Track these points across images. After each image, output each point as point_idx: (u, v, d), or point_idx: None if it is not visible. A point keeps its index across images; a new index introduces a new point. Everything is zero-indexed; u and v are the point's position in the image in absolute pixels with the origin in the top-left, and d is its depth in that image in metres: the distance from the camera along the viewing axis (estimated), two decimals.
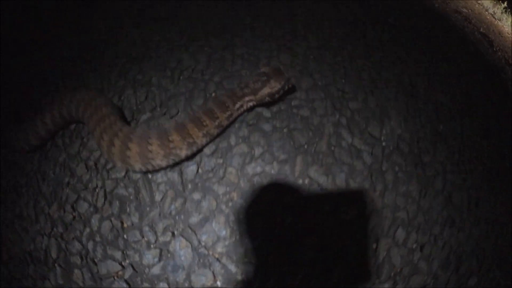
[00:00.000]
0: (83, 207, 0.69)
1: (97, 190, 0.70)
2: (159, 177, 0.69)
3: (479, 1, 2.53)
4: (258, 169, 0.67)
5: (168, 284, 0.59)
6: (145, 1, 1.21)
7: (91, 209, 0.68)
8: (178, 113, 0.79)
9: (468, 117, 1.01)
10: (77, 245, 0.66)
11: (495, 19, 2.43)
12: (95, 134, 0.65)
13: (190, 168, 0.68)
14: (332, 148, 0.73)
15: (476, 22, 2.20)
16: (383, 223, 0.68)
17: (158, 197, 0.66)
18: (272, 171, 0.67)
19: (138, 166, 0.61)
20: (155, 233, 0.63)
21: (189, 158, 0.66)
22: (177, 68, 0.92)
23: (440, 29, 1.43)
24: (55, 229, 0.71)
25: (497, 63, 1.60)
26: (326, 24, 1.10)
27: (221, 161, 0.67)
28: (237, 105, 0.61)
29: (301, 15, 1.15)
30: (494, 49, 1.78)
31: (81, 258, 0.65)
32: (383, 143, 0.79)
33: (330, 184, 0.68)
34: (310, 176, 0.68)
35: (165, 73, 0.91)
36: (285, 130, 0.73)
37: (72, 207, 0.71)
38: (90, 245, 0.65)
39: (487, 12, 2.47)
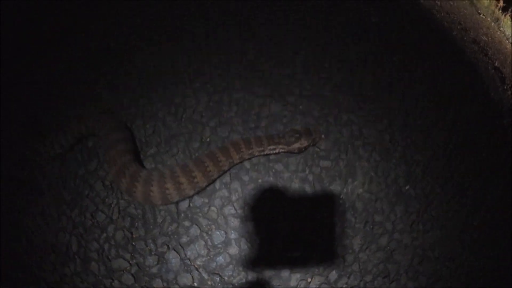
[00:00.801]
0: (101, 217, 1.15)
1: (112, 206, 1.15)
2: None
3: (500, 28, 2.86)
4: (233, 211, 1.13)
5: (162, 280, 1.06)
6: (157, 20, 1.55)
7: (108, 220, 1.14)
8: (178, 152, 1.23)
9: (443, 178, 1.26)
10: (95, 245, 1.12)
11: (508, 40, 2.78)
12: (112, 171, 1.04)
13: (184, 203, 1.14)
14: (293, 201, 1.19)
15: (493, 54, 2.48)
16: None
17: (159, 219, 1.12)
18: (243, 214, 1.14)
19: (159, 203, 0.99)
20: (156, 245, 1.09)
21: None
22: (181, 105, 1.29)
23: (449, 71, 1.64)
24: (76, 229, 1.16)
25: (505, 104, 1.75)
26: (325, 66, 1.36)
27: (206, 200, 1.13)
28: (270, 147, 1.00)
29: (302, 54, 1.38)
30: (505, 87, 1.96)
31: (98, 254, 1.11)
32: (340, 201, 1.14)
33: None
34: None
35: (170, 108, 1.28)
36: (259, 181, 1.18)
37: (92, 215, 1.16)
38: (106, 246, 1.11)
39: (507, 41, 2.81)
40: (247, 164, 1.14)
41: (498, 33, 2.88)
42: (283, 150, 1.02)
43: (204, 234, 1.06)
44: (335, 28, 1.51)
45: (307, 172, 1.16)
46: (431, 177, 1.29)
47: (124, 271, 1.03)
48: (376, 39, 1.62)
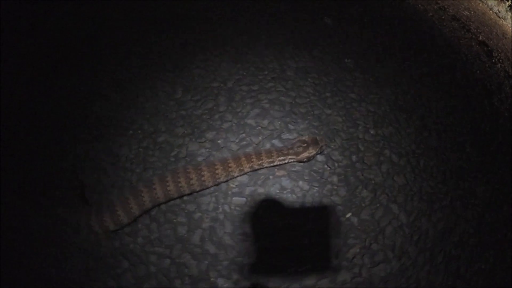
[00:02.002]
0: None
1: None
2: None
3: (483, 0, 2.62)
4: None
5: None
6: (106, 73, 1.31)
7: None
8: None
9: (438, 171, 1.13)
10: None
11: (500, 18, 2.55)
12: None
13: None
14: None
15: (477, 28, 2.27)
16: None
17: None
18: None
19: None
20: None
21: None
22: (117, 154, 1.04)
23: (424, 58, 1.50)
24: None
25: (493, 80, 1.63)
26: (252, 95, 1.17)
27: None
28: (280, 158, 0.98)
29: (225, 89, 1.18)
30: (493, 60, 1.82)
31: None
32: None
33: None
34: None
35: (109, 158, 1.04)
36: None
37: None
38: None
39: (491, 11, 2.58)
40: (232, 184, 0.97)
41: (481, 4, 2.62)
42: (292, 160, 1.01)
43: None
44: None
45: None
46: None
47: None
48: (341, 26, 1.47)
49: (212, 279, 0.79)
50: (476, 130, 1.27)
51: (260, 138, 1.02)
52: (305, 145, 1.00)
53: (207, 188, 0.92)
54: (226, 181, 0.94)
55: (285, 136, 1.05)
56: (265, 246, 0.86)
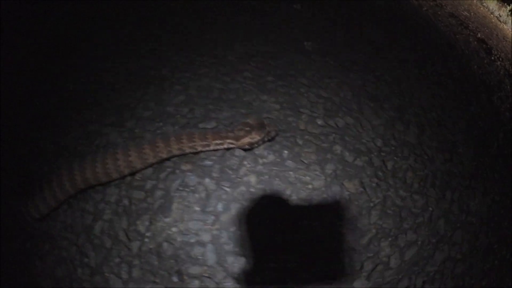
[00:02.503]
0: None
1: None
2: None
3: (484, 3, 2.39)
4: None
5: None
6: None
7: None
8: None
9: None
10: None
11: (501, 22, 2.32)
12: None
13: None
14: None
15: (476, 27, 2.07)
16: None
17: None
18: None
19: None
20: None
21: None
22: None
23: (417, 47, 1.31)
24: None
25: (493, 77, 1.46)
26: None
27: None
28: (217, 142, 0.79)
29: None
30: (493, 57, 1.65)
31: None
32: None
33: None
34: None
35: None
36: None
37: None
38: None
39: (492, 15, 2.35)
40: None
41: (482, 8, 2.39)
42: (232, 146, 0.82)
43: None
44: None
45: None
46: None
47: None
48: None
49: (106, 274, 0.70)
50: (472, 128, 1.09)
51: (176, 127, 0.85)
52: (248, 128, 0.80)
53: (137, 170, 0.77)
54: (156, 162, 0.78)
55: (203, 125, 0.85)
56: (150, 247, 0.71)
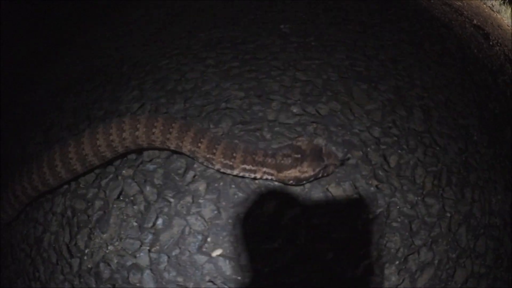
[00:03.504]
0: None
1: None
2: None
3: None
4: None
5: None
6: None
7: None
8: None
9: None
10: None
11: (494, 11, 2.17)
12: None
13: None
14: None
15: (471, 15, 1.86)
16: None
17: None
18: None
19: None
20: None
21: None
22: None
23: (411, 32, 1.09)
24: None
25: (494, 61, 1.28)
26: None
27: None
28: (246, 166, 0.53)
29: None
30: (491, 43, 1.48)
31: None
32: None
33: None
34: None
35: None
36: None
37: None
38: None
39: (485, 5, 2.16)
40: None
41: None
42: (269, 177, 0.53)
43: None
44: None
45: None
46: None
47: None
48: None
49: None
50: (484, 111, 0.86)
51: None
52: (299, 156, 0.53)
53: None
54: (162, 149, 0.58)
55: None
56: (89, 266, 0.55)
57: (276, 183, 0.54)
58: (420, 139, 0.64)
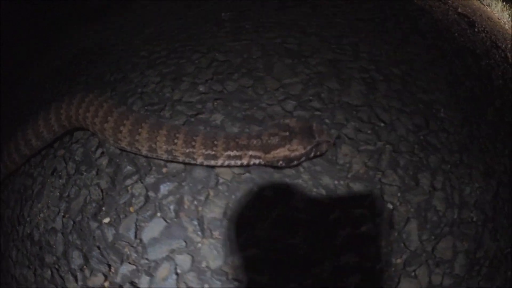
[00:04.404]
0: None
1: None
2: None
3: None
4: None
5: None
6: None
7: None
8: None
9: None
10: None
11: (484, 5, 2.03)
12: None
13: None
14: None
15: (456, 5, 1.70)
16: None
17: None
18: None
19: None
20: None
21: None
22: None
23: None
24: None
25: (478, 45, 1.17)
26: None
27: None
28: (230, 153, 0.45)
29: None
30: (476, 29, 1.36)
31: None
32: None
33: None
34: None
35: None
36: None
37: None
38: None
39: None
40: None
41: None
42: (256, 161, 0.45)
43: None
44: None
45: None
46: None
47: None
48: None
49: (7, 256, 0.60)
50: (458, 89, 0.72)
51: None
52: (286, 134, 0.44)
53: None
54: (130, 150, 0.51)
55: None
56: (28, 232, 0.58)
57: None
58: (354, 114, 0.48)
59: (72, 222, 0.51)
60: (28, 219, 0.58)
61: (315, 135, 0.44)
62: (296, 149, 0.43)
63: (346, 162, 0.41)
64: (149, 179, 0.46)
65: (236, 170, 0.44)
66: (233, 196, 0.42)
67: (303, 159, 0.44)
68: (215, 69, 0.56)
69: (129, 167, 0.49)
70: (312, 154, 0.44)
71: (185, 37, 0.75)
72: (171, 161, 0.46)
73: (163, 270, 0.41)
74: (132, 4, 1.09)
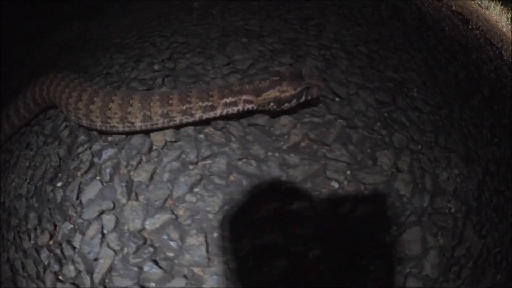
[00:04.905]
0: None
1: None
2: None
3: None
4: None
5: None
6: None
7: None
8: None
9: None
10: None
11: (482, 8, 2.00)
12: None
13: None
14: None
15: (451, 4, 1.65)
16: None
17: None
18: None
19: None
20: None
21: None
22: None
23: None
24: None
25: (470, 40, 1.15)
26: None
27: None
28: (226, 100, 0.45)
29: None
30: (470, 27, 1.33)
31: None
32: None
33: None
34: None
35: None
36: None
37: None
38: None
39: (473, 2, 2.02)
40: None
41: None
42: (249, 106, 0.45)
43: None
44: None
45: None
46: None
47: None
48: None
49: None
50: (437, 72, 0.68)
51: None
52: (277, 78, 0.45)
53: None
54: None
55: None
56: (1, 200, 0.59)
57: None
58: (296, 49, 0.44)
59: (34, 188, 0.53)
60: (3, 189, 0.60)
61: (304, 78, 0.44)
62: (286, 90, 0.43)
63: (284, 133, 0.37)
64: (96, 146, 0.47)
65: (168, 138, 0.41)
66: (161, 162, 0.40)
67: (294, 101, 0.44)
68: (173, 50, 0.55)
69: (83, 137, 0.50)
70: (303, 98, 0.44)
71: (155, 25, 0.75)
72: (167, 128, 0.43)
73: (92, 229, 0.41)
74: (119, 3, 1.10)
